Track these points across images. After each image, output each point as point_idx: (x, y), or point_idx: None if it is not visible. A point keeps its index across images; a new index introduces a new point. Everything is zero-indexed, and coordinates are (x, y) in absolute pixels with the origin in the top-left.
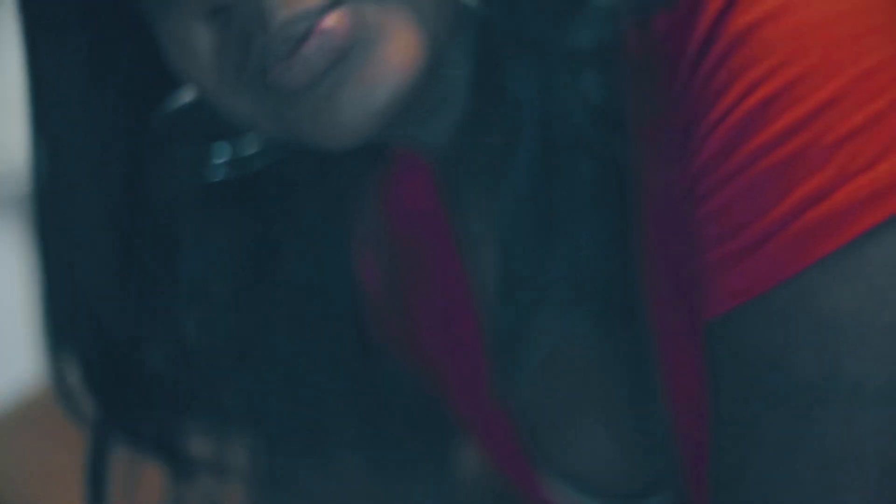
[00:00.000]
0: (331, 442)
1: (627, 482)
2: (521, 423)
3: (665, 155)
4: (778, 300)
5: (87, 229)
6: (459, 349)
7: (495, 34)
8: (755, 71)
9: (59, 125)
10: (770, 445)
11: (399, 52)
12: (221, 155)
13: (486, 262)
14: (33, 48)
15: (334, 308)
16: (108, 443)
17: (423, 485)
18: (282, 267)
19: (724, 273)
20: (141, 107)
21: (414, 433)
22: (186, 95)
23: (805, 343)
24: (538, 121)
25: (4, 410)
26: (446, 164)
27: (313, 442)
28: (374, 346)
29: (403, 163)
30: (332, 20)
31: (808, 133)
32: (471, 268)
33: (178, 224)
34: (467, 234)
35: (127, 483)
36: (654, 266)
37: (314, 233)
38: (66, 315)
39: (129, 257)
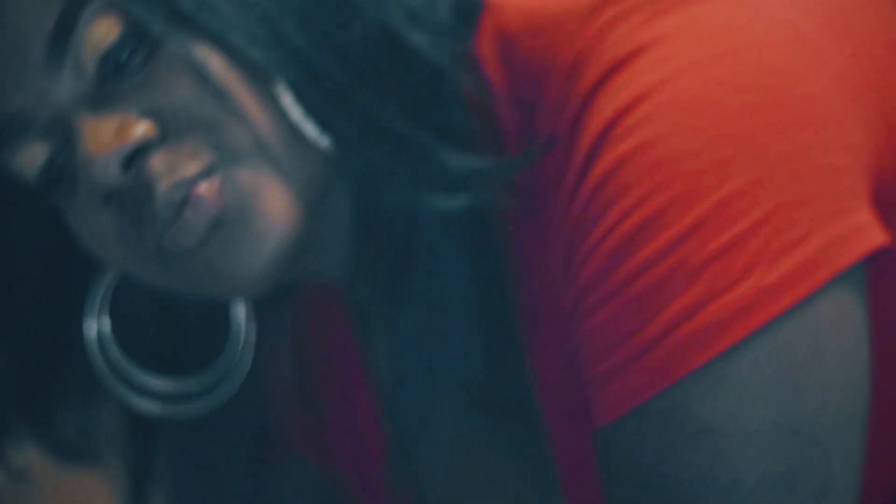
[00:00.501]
0: None
1: None
2: None
3: (548, 275)
4: (656, 409)
5: None
6: (366, 455)
7: (363, 182)
8: (627, 200)
9: None
10: None
11: (275, 208)
12: None
13: (385, 372)
14: None
15: (243, 416)
16: None
17: None
18: None
19: (608, 385)
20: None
21: None
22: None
23: (682, 449)
24: (416, 248)
25: None
26: (349, 288)
27: None
28: (281, 453)
29: (312, 289)
30: (203, 187)
31: (677, 255)
32: (375, 380)
33: None
34: (372, 349)
35: None
36: (545, 374)
37: None
38: None
39: None
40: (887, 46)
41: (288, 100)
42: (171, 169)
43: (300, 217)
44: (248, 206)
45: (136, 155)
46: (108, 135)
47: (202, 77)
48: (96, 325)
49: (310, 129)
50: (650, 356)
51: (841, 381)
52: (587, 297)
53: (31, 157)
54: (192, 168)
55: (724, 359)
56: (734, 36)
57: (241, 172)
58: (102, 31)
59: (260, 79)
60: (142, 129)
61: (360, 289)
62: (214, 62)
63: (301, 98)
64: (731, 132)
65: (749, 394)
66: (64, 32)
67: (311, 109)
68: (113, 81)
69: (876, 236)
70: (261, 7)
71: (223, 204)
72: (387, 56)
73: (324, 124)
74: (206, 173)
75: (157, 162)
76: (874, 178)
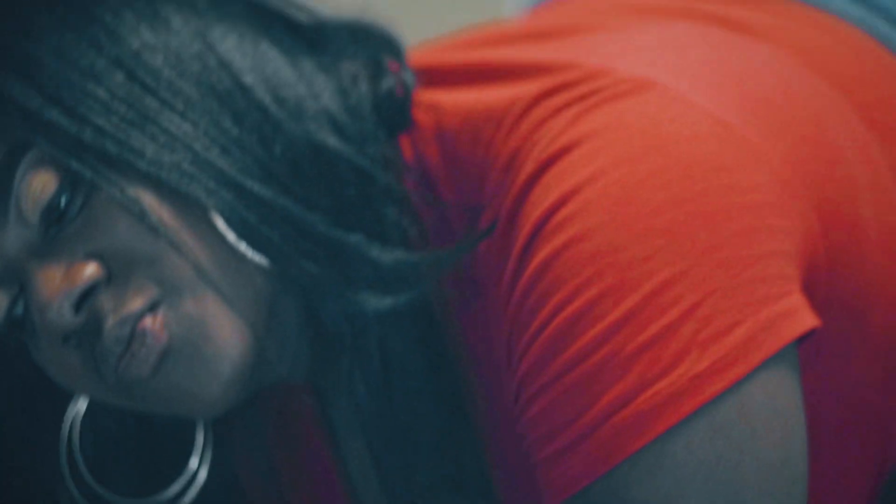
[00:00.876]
0: None
1: None
2: None
3: (493, 362)
4: (595, 495)
5: None
6: None
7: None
8: (560, 294)
9: None
10: None
11: (223, 332)
12: None
13: (353, 462)
14: None
15: None
16: None
17: None
18: None
19: (551, 470)
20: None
21: None
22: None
23: None
24: (366, 344)
25: None
26: (309, 386)
27: None
28: None
29: (276, 388)
30: (148, 321)
31: (610, 346)
32: (342, 470)
33: None
34: (337, 442)
35: None
36: (501, 456)
37: None
38: None
39: None
40: (818, 139)
41: (221, 224)
42: (118, 306)
43: (250, 336)
44: (195, 335)
45: (86, 296)
46: (57, 281)
47: (137, 216)
48: (66, 451)
49: (246, 249)
50: (588, 443)
51: (778, 459)
52: (527, 386)
53: None
54: (136, 304)
55: (660, 443)
56: (660, 130)
57: (185, 303)
58: (40, 184)
59: (193, 208)
60: (88, 271)
61: (319, 386)
62: (147, 199)
63: (232, 221)
64: (657, 225)
65: (685, 476)
66: (3, 188)
67: (244, 231)
68: (56, 228)
69: (805, 319)
70: (183, 139)
71: (168, 336)
72: (312, 166)
73: (257, 243)
74: (151, 307)
75: (105, 301)
76: (806, 262)
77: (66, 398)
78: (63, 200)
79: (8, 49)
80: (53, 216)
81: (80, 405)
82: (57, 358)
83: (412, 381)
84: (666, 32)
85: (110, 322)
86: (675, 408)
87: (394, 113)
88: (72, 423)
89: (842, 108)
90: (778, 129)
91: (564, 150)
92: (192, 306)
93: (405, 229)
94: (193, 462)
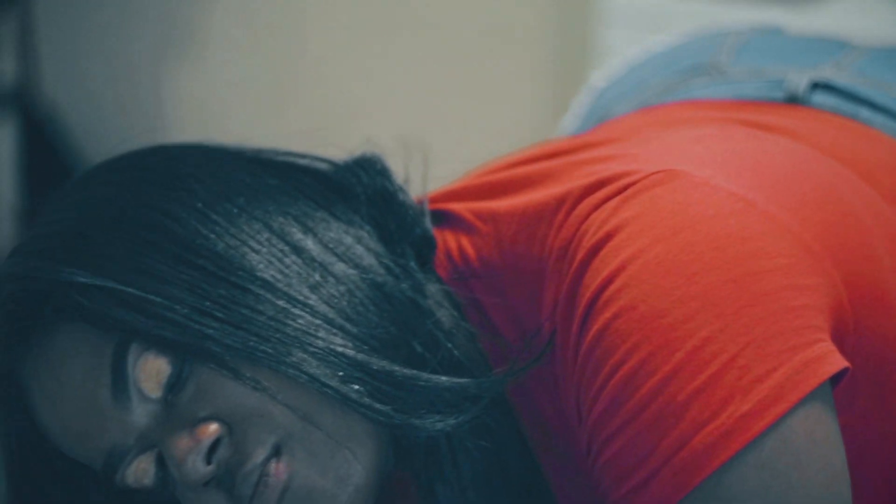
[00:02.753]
0: None
1: None
2: None
3: (561, 421)
4: None
5: None
6: None
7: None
8: (615, 356)
9: None
10: None
11: (338, 464)
12: None
13: None
14: None
15: None
16: None
17: None
18: None
19: None
20: None
21: None
22: None
23: None
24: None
25: None
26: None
27: None
28: None
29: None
30: (271, 465)
31: (664, 397)
32: None
33: None
34: None
35: None
36: None
37: None
38: None
39: None
40: (835, 208)
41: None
42: (244, 459)
43: (365, 461)
44: (313, 472)
45: (213, 450)
46: (185, 441)
47: (238, 381)
48: None
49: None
50: (654, 482)
51: (820, 483)
52: (596, 437)
53: (142, 470)
54: (259, 455)
55: (715, 478)
56: (689, 211)
57: (299, 446)
58: (154, 368)
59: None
60: (210, 430)
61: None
62: (244, 368)
63: (321, 384)
64: (693, 291)
65: None
66: (120, 378)
67: (330, 390)
68: (173, 396)
69: (836, 362)
70: (266, 322)
71: (287, 476)
72: (376, 311)
73: (340, 398)
74: (274, 454)
75: (230, 452)
76: (833, 315)
77: None
78: (175, 376)
79: (90, 270)
80: (169, 387)
81: None
82: (203, 500)
83: (496, 473)
84: (692, 133)
85: (241, 472)
86: (726, 445)
87: (425, 238)
88: None
89: (857, 183)
90: (797, 203)
91: (608, 237)
92: (307, 447)
93: (478, 353)
94: None
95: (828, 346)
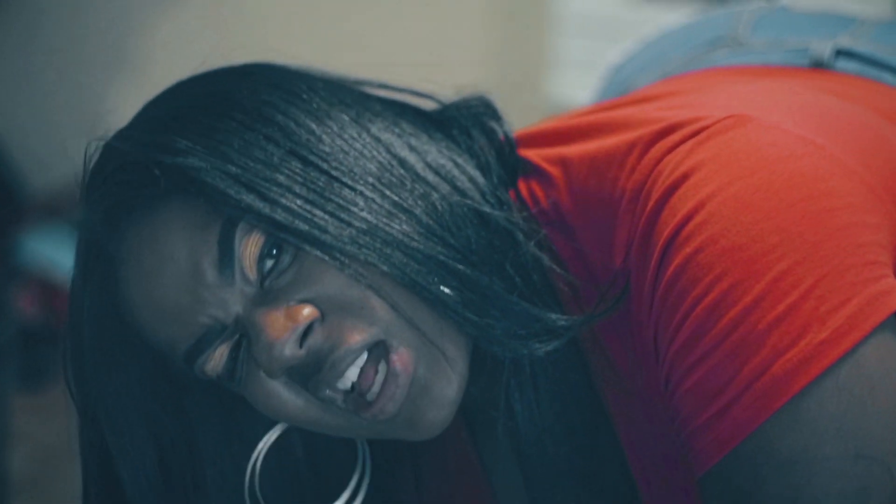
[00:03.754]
0: None
1: None
2: None
3: (627, 362)
4: (744, 453)
5: None
6: None
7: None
8: (698, 288)
9: None
10: None
11: (445, 365)
12: None
13: (503, 488)
14: None
15: None
16: None
17: None
18: None
19: (704, 437)
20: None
21: None
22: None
23: (770, 481)
24: (521, 380)
25: None
26: (466, 419)
27: None
28: None
29: None
30: (395, 360)
31: (745, 325)
32: (493, 496)
33: None
34: (487, 468)
35: None
36: (636, 450)
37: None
38: None
39: None
40: (890, 156)
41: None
42: (338, 343)
43: (462, 367)
44: (428, 370)
45: (306, 333)
46: (282, 321)
47: (340, 269)
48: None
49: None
50: (735, 408)
51: (891, 409)
52: (677, 367)
53: (218, 358)
54: (355, 339)
55: (795, 403)
56: (763, 153)
57: (409, 342)
58: (255, 247)
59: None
60: (307, 311)
61: (472, 419)
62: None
63: (405, 281)
64: (772, 226)
65: (819, 429)
66: (226, 254)
67: (415, 288)
68: (271, 280)
69: None
70: (357, 213)
71: (414, 368)
72: (469, 229)
73: (428, 299)
74: (376, 347)
75: (322, 338)
76: (893, 252)
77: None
78: (274, 257)
79: (207, 150)
80: (268, 271)
81: (272, 436)
82: (274, 393)
83: (562, 406)
84: (749, 86)
85: (334, 355)
86: (805, 371)
87: (512, 171)
88: (259, 453)
89: None
90: (858, 149)
91: (685, 177)
92: (417, 345)
93: (552, 285)
94: (351, 489)
95: (893, 281)
